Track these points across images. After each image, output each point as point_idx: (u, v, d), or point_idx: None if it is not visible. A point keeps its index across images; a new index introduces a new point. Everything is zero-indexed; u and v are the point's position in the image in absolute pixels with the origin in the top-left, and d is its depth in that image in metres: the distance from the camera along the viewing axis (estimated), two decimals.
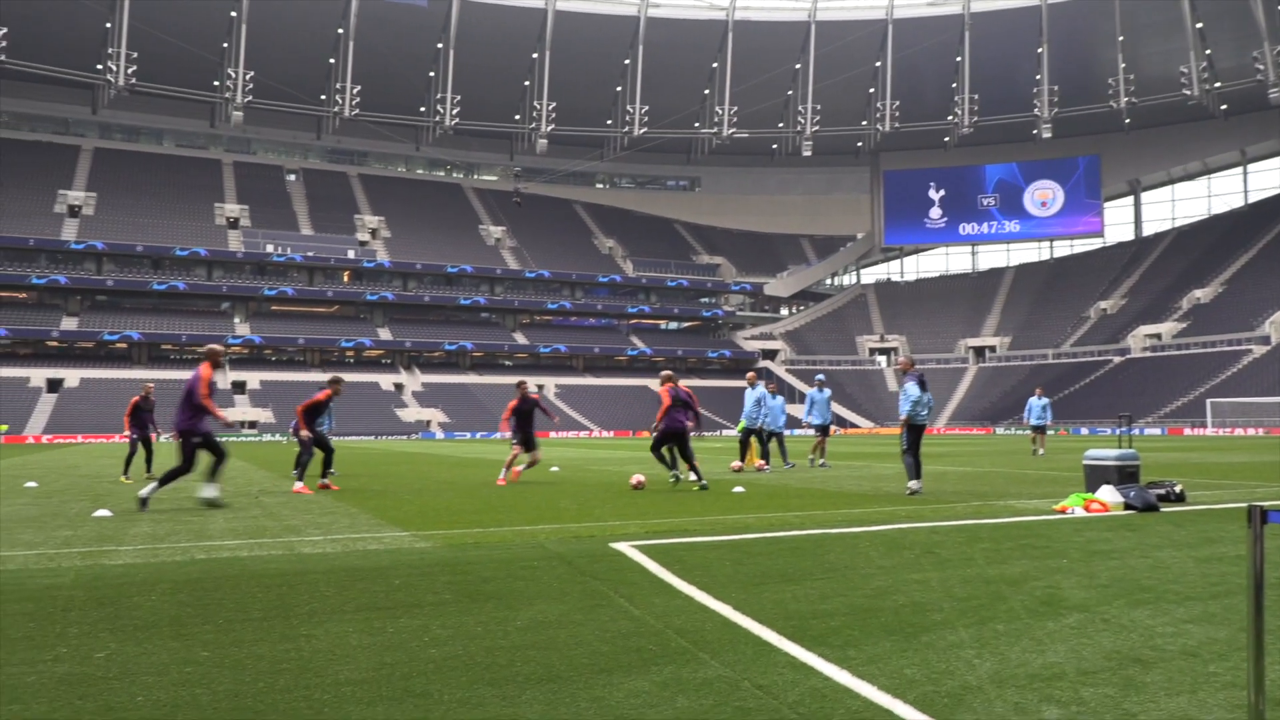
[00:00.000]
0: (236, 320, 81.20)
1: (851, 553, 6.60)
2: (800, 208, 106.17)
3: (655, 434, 12.94)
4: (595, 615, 4.74)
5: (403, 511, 9.74)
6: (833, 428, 17.72)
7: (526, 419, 14.68)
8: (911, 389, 11.27)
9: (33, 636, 4.31)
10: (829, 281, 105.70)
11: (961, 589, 5.32)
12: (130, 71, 76.11)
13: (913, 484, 11.17)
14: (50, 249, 75.64)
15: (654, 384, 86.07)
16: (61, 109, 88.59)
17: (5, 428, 60.16)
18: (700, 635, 4.34)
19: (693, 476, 12.76)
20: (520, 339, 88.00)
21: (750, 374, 18.09)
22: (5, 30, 72.89)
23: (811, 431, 17.69)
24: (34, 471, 19.13)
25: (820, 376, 18.01)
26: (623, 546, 6.87)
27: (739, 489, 12.41)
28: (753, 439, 17.85)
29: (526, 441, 14.47)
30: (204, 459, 10.31)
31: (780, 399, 18.49)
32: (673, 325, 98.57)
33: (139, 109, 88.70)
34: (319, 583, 5.56)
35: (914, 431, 11.20)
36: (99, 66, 78.31)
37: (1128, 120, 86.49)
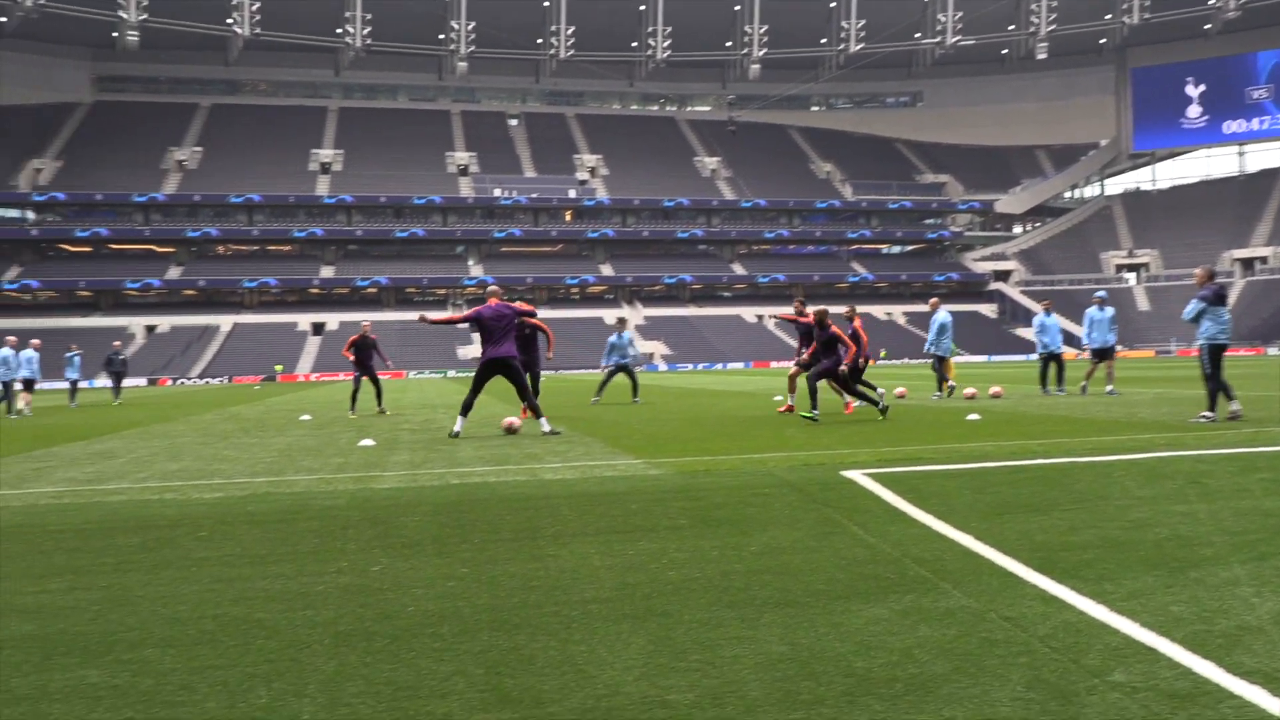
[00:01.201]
0: (470, 263, 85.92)
1: (1104, 482, 6.17)
2: (1034, 116, 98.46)
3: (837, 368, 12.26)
4: (829, 542, 4.70)
5: (634, 440, 10.02)
6: (1118, 349, 16.18)
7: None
8: (1216, 309, 10.32)
9: (318, 551, 4.81)
10: (1068, 195, 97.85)
11: (1234, 522, 4.85)
12: (365, 33, 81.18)
13: (1234, 406, 10.27)
14: (307, 204, 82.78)
15: (878, 311, 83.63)
16: (309, 74, 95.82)
17: (280, 368, 67.22)
18: (940, 565, 4.21)
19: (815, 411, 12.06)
20: (738, 269, 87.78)
21: (934, 300, 17.36)
22: (258, 5, 79.41)
23: (1087, 355, 16.41)
24: (306, 406, 21.22)
25: (1101, 294, 16.67)
26: (854, 474, 6.76)
27: (974, 416, 11.89)
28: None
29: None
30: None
31: (1055, 318, 17.19)
32: (895, 249, 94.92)
33: (375, 68, 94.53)
34: (561, 507, 5.83)
35: (1216, 352, 10.32)
36: (338, 30, 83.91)
37: None
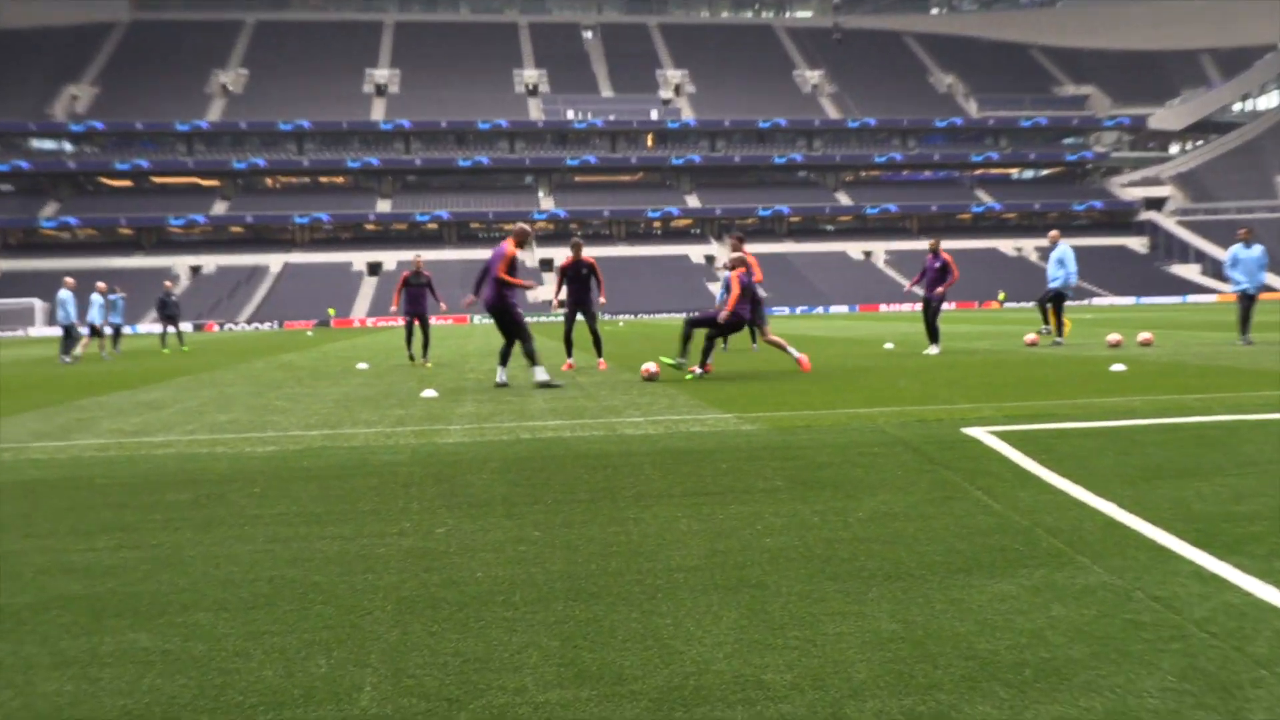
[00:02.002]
0: (540, 194, 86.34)
1: (1277, 444, 5.94)
2: (1198, 15, 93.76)
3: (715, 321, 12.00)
4: (948, 508, 4.67)
5: (723, 392, 10.06)
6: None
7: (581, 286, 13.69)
8: None
9: (379, 510, 4.95)
10: (1237, 107, 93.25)
11: None
12: None
13: None
14: (361, 131, 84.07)
15: (1005, 246, 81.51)
16: None
17: (333, 311, 69.01)
18: (1077, 536, 4.14)
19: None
20: (843, 199, 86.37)
21: (1053, 232, 16.91)
22: None
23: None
24: (363, 354, 21.76)
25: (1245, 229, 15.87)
26: (977, 432, 6.66)
27: (1119, 366, 11.56)
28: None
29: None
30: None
31: (1258, 249, 16.17)
32: (1028, 174, 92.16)
33: None
34: (643, 465, 5.89)
35: None
36: None
37: None
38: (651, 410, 8.61)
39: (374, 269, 78.74)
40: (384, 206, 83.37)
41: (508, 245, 11.02)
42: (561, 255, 78.41)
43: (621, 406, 9.00)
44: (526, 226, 11.22)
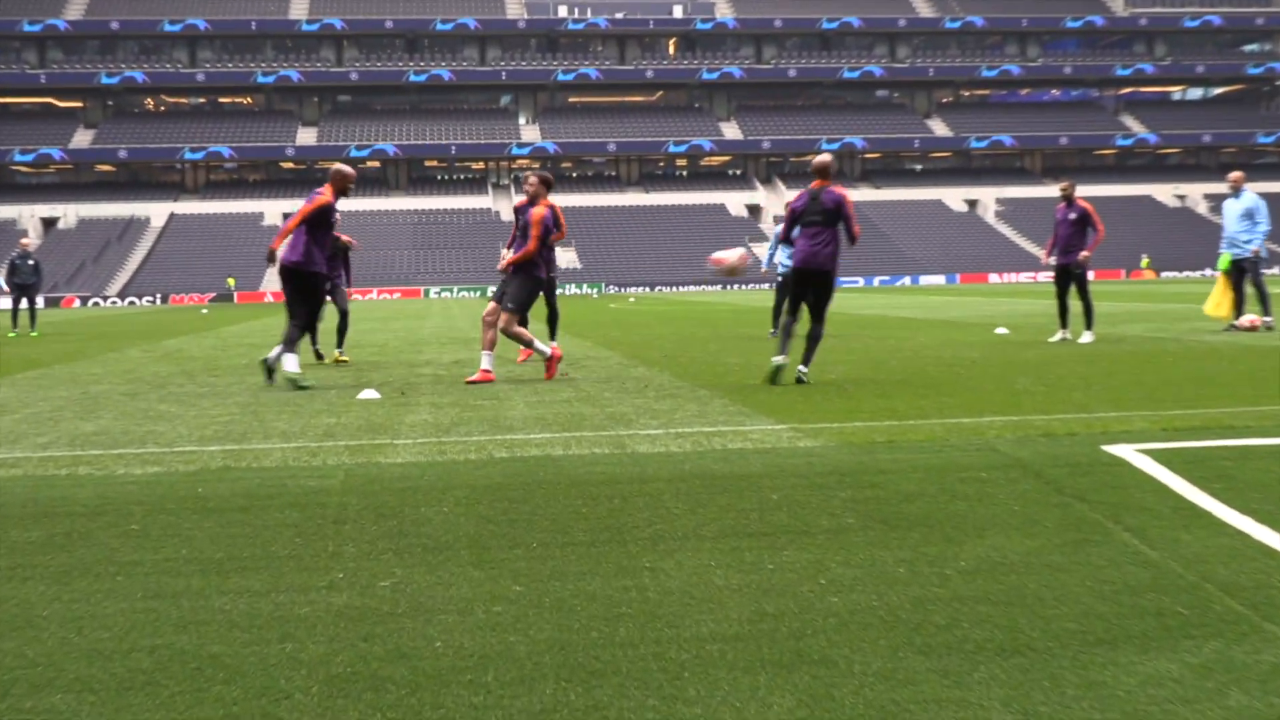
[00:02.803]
0: (521, 121, 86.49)
1: None
2: None
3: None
4: (1085, 556, 4.66)
5: (773, 394, 10.02)
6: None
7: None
8: None
9: (301, 555, 4.95)
10: None
11: None
12: None
13: None
14: (276, 34, 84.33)
15: (1162, 193, 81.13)
16: None
17: (234, 282, 69.23)
18: (1264, 595, 4.15)
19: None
20: (938, 128, 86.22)
21: (1235, 174, 16.80)
22: None
23: None
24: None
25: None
26: (1124, 450, 6.65)
27: None
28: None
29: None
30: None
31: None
32: (1194, 93, 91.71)
33: None
34: (663, 495, 5.88)
35: None
36: None
37: None
38: (674, 419, 8.60)
39: None
40: (307, 137, 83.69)
41: (324, 191, 12.07)
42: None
43: (632, 414, 8.99)
44: (347, 168, 12.35)
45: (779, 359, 10.93)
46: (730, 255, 12.23)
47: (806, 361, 11.18)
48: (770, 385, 10.78)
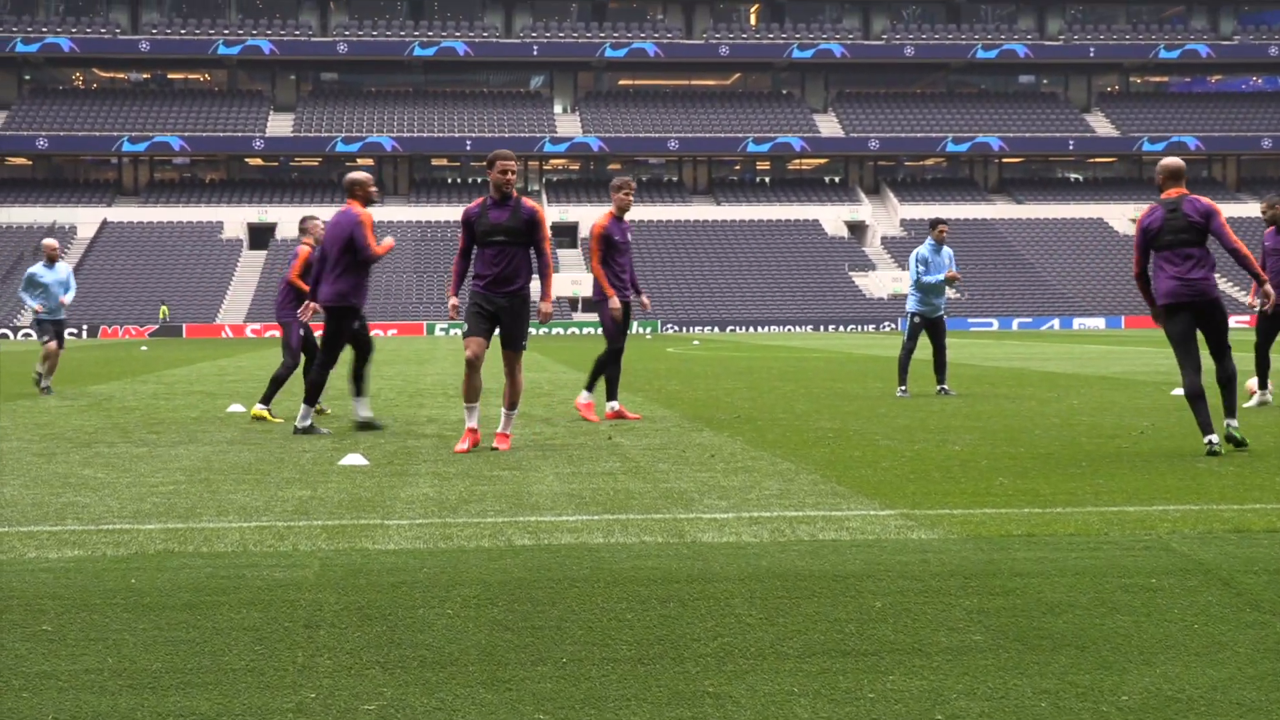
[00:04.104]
0: (557, 109, 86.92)
1: None
2: None
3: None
4: None
5: (879, 467, 9.94)
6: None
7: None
8: None
9: (262, 669, 4.93)
10: None
11: None
12: None
13: None
14: None
15: None
16: None
17: (166, 313, 69.42)
18: None
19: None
20: (1099, 125, 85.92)
21: None
22: None
23: None
24: (237, 385, 21.91)
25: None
26: None
27: None
28: None
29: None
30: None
31: None
32: None
33: None
34: (732, 599, 5.86)
35: None
36: None
37: None
38: (748, 499, 8.55)
39: (260, 236, 79.60)
40: (280, 126, 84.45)
41: (354, 209, 13.40)
42: (589, 217, 78.43)
43: (694, 492, 8.94)
44: (362, 176, 13.26)
45: (1211, 440, 10.83)
46: None
47: (1232, 412, 11.11)
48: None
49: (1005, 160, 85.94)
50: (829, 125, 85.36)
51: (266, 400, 16.20)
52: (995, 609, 5.68)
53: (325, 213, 65.02)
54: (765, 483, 9.35)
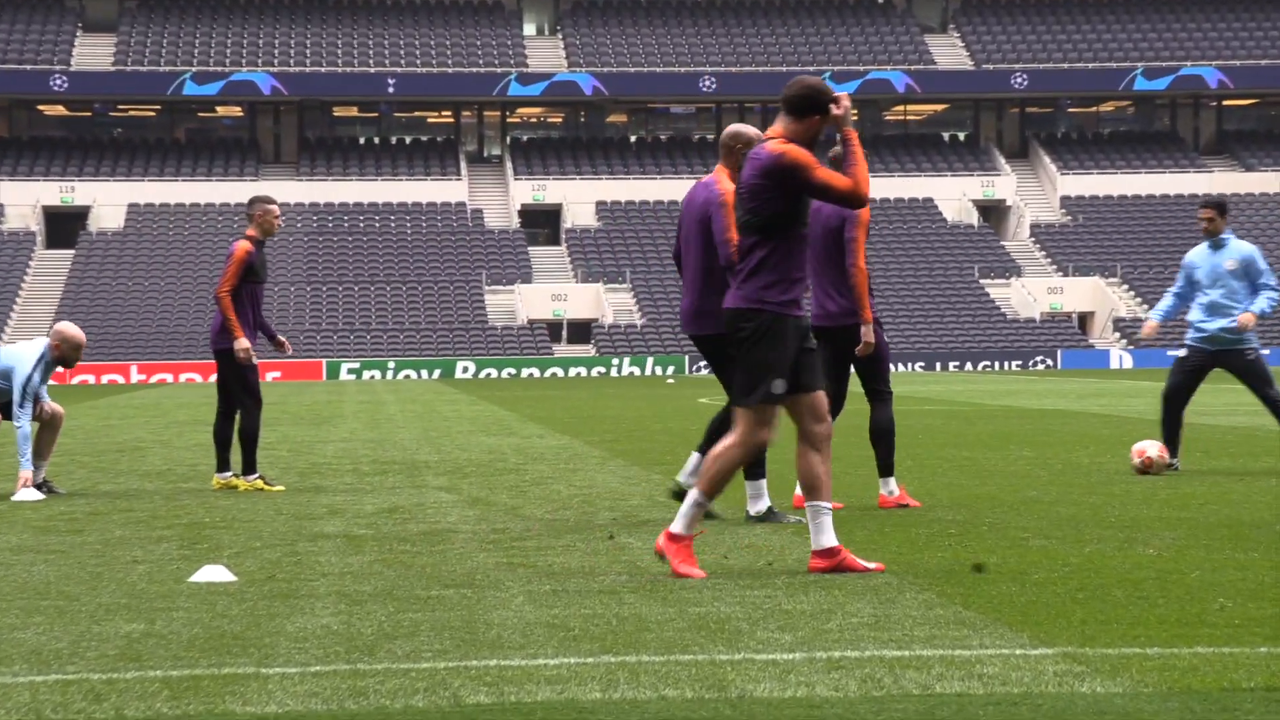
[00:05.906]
0: (529, 29, 77.82)
1: None
2: None
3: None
4: None
5: (1028, 581, 8.43)
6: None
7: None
8: None
9: None
10: None
11: None
12: None
13: None
14: None
15: None
16: None
17: None
18: None
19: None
20: None
21: None
22: None
23: None
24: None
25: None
26: None
27: None
28: None
29: None
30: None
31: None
32: None
33: None
34: None
35: None
36: None
37: None
38: (824, 630, 6.99)
39: (64, 225, 74.03)
40: (94, 54, 78.02)
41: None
42: (574, 196, 72.68)
43: (741, 618, 7.36)
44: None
45: None
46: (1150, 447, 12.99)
47: None
48: None
49: (1225, 103, 78.55)
50: (950, 52, 78.50)
51: (249, 468, 15.57)
52: None
53: (174, 194, 58.70)
54: (851, 604, 7.81)
